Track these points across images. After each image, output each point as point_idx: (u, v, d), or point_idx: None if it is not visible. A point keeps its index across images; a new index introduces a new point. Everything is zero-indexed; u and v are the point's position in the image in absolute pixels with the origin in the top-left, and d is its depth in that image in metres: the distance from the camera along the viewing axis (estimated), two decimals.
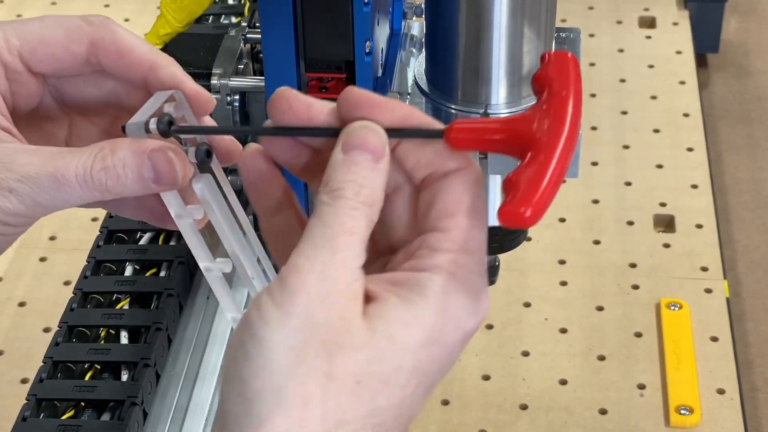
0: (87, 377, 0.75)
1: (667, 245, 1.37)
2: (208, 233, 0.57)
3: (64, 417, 0.73)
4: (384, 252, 0.54)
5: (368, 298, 0.50)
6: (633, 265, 1.34)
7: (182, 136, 0.56)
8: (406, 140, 0.53)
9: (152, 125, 0.55)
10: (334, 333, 0.49)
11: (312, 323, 0.49)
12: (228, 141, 0.58)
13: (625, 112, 1.58)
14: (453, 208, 0.52)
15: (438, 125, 0.53)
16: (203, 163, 0.56)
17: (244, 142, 0.59)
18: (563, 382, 1.20)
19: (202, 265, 0.55)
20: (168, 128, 0.55)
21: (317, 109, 0.56)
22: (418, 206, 0.53)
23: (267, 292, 0.50)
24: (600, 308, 1.28)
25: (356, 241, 0.51)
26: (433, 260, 0.51)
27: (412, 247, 0.53)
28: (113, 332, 0.78)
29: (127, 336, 0.77)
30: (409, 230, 0.54)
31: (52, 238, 1.37)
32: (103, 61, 0.59)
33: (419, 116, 0.53)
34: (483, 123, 0.53)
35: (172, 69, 0.59)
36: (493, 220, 0.87)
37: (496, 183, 0.86)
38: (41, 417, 0.72)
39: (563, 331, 1.26)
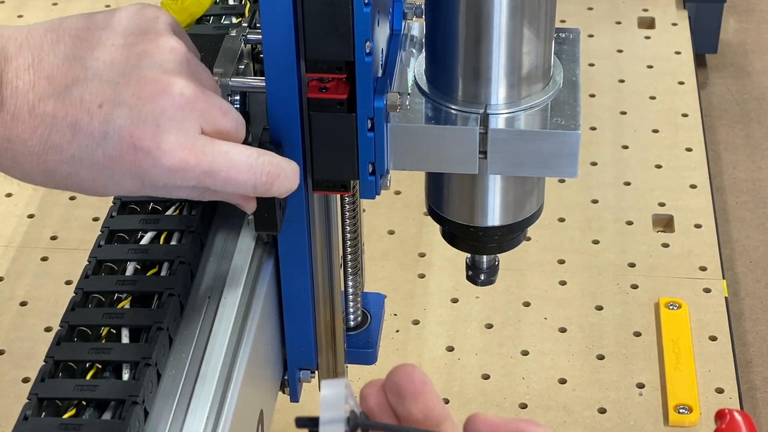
0: (88, 376, 0.75)
1: (665, 245, 1.37)
2: None
3: (65, 416, 0.73)
4: None
5: None
6: (632, 265, 1.34)
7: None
8: None
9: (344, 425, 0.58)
10: None
11: None
12: None
13: (624, 113, 1.58)
14: None
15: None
16: None
17: None
18: (562, 381, 1.20)
19: None
20: (356, 426, 0.58)
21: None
22: None
23: None
24: (599, 308, 1.29)
25: None
26: None
27: None
28: (114, 331, 0.78)
29: (128, 335, 0.77)
30: None
31: (53, 238, 1.37)
32: None
33: None
34: None
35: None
36: (492, 220, 0.88)
37: (495, 182, 0.86)
38: (43, 416, 0.72)
39: (562, 330, 1.26)
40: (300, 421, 0.58)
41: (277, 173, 0.74)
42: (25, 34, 0.69)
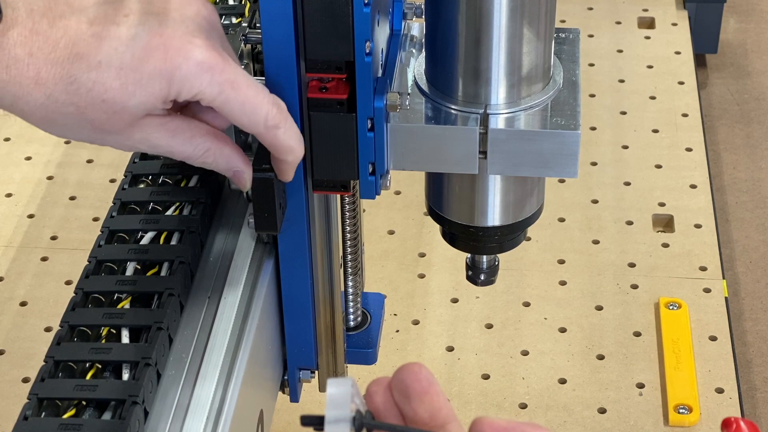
0: (88, 376, 0.75)
1: (665, 245, 1.37)
2: None
3: (65, 416, 0.73)
4: None
5: None
6: (632, 265, 1.34)
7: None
8: None
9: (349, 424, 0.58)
10: None
11: None
12: None
13: (624, 113, 1.58)
14: None
15: None
16: None
17: None
18: (562, 381, 1.20)
19: None
20: (361, 425, 0.58)
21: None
22: None
23: None
24: (599, 308, 1.29)
25: None
26: None
27: None
28: (114, 332, 0.78)
29: (128, 335, 0.77)
30: None
31: (53, 238, 1.37)
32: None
33: None
34: None
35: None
36: (492, 220, 0.88)
37: (495, 182, 0.86)
38: (42, 416, 0.72)
39: (562, 330, 1.26)
40: (305, 420, 0.58)
41: (285, 116, 0.75)
42: None
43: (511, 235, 0.89)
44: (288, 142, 0.75)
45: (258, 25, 0.90)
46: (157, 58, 0.69)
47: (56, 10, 0.69)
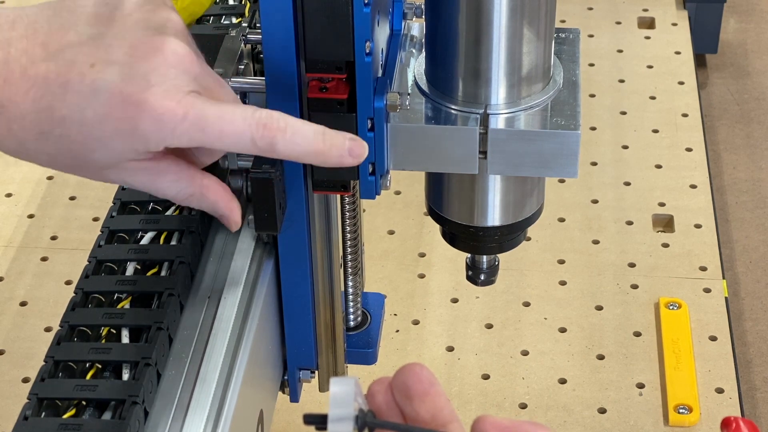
0: (88, 376, 0.75)
1: (666, 245, 1.37)
2: None
3: (65, 416, 0.73)
4: None
5: None
6: (632, 265, 1.34)
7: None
8: None
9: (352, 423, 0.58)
10: None
11: None
12: None
13: (624, 113, 1.58)
14: None
15: None
16: None
17: None
18: (562, 381, 1.20)
19: None
20: (364, 425, 0.58)
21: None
22: None
23: None
24: (599, 308, 1.29)
25: None
26: None
27: None
28: (114, 331, 0.78)
29: (128, 335, 0.77)
30: None
31: (53, 238, 1.37)
32: None
33: None
34: None
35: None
36: (492, 220, 0.88)
37: (495, 182, 0.86)
38: (42, 416, 0.72)
39: (562, 330, 1.26)
40: (308, 418, 0.58)
41: (278, 126, 0.71)
42: (19, 12, 0.70)
43: (511, 235, 0.89)
44: (296, 150, 0.71)
45: (258, 25, 0.91)
46: (116, 116, 0.69)
47: (32, 54, 0.69)
